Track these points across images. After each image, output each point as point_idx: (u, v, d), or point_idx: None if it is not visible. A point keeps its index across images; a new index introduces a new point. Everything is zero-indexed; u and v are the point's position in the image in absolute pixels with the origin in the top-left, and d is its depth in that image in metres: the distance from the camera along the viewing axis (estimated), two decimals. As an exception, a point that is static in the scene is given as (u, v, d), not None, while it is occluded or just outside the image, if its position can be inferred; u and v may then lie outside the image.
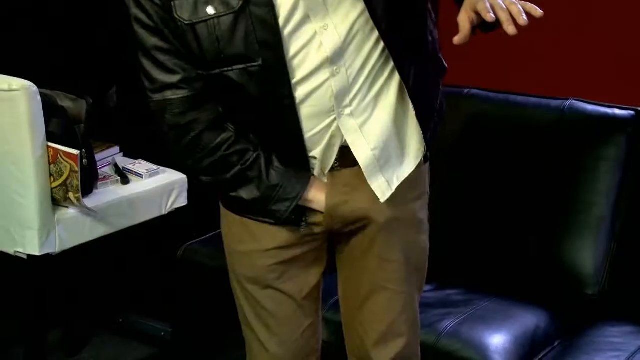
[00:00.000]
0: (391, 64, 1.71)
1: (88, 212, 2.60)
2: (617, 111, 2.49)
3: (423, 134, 1.79)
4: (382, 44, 1.69)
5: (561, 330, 2.43)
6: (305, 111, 1.68)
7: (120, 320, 3.20)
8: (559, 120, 2.51)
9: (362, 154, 1.73)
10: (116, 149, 2.97)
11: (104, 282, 3.25)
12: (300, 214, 1.79)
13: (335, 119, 1.70)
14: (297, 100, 1.66)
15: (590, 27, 2.89)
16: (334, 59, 1.65)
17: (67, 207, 2.59)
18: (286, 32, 1.62)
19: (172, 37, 1.63)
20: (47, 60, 3.23)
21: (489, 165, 2.58)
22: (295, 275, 1.87)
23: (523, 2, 1.58)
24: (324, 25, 1.63)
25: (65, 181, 2.51)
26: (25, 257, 2.56)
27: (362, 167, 1.74)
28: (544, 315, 2.42)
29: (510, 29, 1.53)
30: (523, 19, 1.53)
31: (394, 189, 1.77)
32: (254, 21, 1.59)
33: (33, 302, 2.69)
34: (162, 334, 3.09)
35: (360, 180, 1.76)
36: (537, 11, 1.56)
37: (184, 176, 2.88)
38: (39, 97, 2.45)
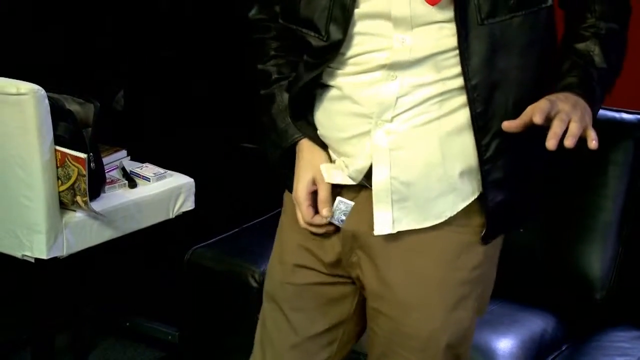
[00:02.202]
0: (462, 98, 1.53)
1: (95, 215, 2.59)
2: (625, 115, 2.48)
3: (486, 208, 1.58)
4: (460, 80, 1.52)
5: (568, 334, 2.41)
6: (345, 107, 1.59)
7: (127, 323, 3.19)
8: (566, 125, 2.50)
9: (380, 176, 1.56)
10: (123, 152, 2.96)
11: (111, 285, 3.26)
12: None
13: (370, 130, 1.56)
14: (343, 92, 1.59)
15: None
16: (393, 67, 1.53)
17: (74, 210, 2.58)
18: (359, 25, 1.54)
19: None
20: (55, 63, 3.22)
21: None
22: (310, 307, 1.72)
23: (590, 128, 1.44)
24: (403, 38, 1.51)
25: (72, 185, 2.49)
26: (32, 260, 2.55)
27: (373, 188, 1.57)
28: (551, 319, 2.41)
29: (550, 144, 1.38)
30: (570, 142, 1.38)
31: (394, 231, 1.58)
32: None
33: (40, 306, 2.67)
34: (169, 337, 3.08)
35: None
36: (593, 144, 1.42)
37: (191, 180, 2.87)
38: (46, 101, 2.44)
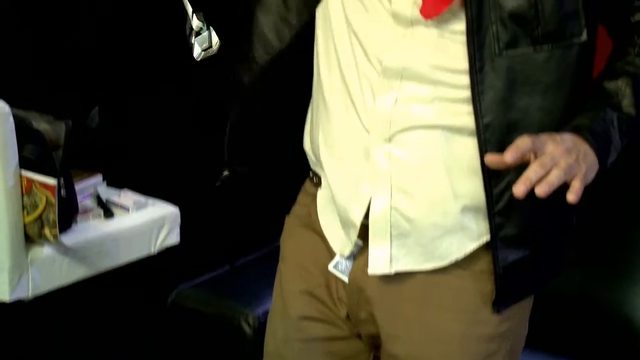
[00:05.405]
0: (473, 125, 1.43)
1: (66, 250, 2.48)
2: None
3: (495, 271, 1.48)
4: (469, 107, 1.41)
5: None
6: (349, 114, 1.50)
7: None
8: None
9: (379, 205, 1.47)
10: (99, 177, 2.86)
11: (83, 331, 3.13)
12: None
13: (369, 151, 1.48)
14: (349, 93, 1.50)
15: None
16: (387, 73, 1.45)
17: (42, 245, 2.47)
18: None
19: None
20: (21, 76, 3.15)
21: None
22: None
23: (578, 179, 1.33)
24: (404, 34, 1.44)
25: (40, 215, 2.39)
26: (-8, 303, 2.48)
27: (370, 219, 1.48)
28: (589, 373, 2.39)
29: (516, 189, 1.30)
30: (541, 190, 1.30)
31: (391, 270, 1.49)
32: None
33: (2, 354, 2.59)
34: (150, 392, 3.04)
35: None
36: (571, 197, 1.31)
37: (176, 210, 2.80)
38: (11, 119, 2.34)
